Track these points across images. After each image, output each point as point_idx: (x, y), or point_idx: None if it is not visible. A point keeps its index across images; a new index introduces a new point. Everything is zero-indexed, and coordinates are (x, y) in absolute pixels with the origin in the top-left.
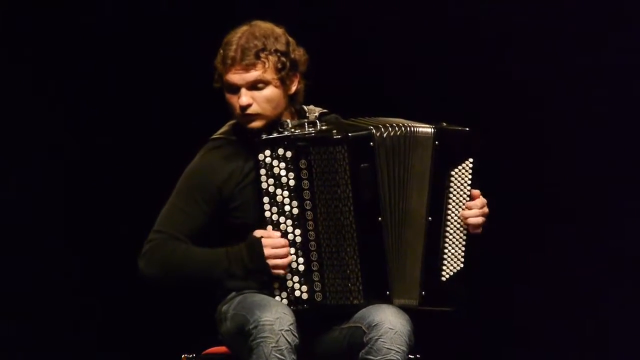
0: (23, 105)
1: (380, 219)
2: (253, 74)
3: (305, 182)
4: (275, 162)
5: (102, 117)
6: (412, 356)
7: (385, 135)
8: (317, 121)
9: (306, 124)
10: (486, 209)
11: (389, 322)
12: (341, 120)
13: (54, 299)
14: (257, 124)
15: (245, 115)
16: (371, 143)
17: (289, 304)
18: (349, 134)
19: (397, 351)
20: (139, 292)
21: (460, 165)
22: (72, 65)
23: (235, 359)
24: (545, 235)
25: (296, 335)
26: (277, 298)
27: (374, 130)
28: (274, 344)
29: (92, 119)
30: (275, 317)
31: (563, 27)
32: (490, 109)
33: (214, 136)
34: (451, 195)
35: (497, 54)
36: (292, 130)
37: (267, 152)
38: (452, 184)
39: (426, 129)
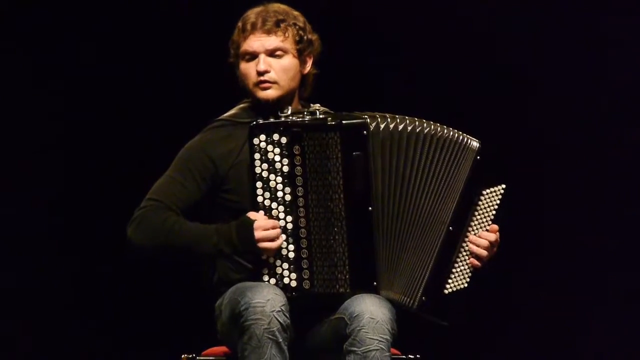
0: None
1: (370, 208)
2: (273, 40)
3: (299, 168)
4: (270, 147)
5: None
6: (412, 356)
7: (383, 125)
8: (317, 111)
9: (305, 112)
10: (495, 249)
11: (369, 312)
12: (343, 113)
13: (54, 299)
14: (271, 92)
15: (260, 82)
16: (364, 131)
17: None
18: (343, 122)
19: (380, 340)
20: (140, 292)
21: (494, 187)
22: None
23: (234, 359)
24: (544, 236)
25: (287, 315)
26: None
27: (368, 120)
28: (265, 326)
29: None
30: (267, 299)
31: (567, 29)
32: (492, 110)
33: (219, 117)
34: (476, 214)
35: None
36: (290, 117)
37: (262, 137)
38: (480, 203)
39: (473, 141)
